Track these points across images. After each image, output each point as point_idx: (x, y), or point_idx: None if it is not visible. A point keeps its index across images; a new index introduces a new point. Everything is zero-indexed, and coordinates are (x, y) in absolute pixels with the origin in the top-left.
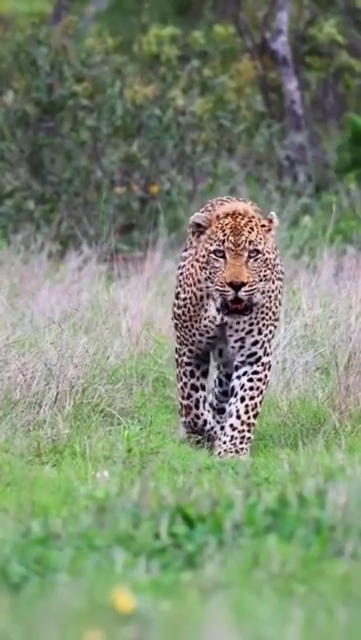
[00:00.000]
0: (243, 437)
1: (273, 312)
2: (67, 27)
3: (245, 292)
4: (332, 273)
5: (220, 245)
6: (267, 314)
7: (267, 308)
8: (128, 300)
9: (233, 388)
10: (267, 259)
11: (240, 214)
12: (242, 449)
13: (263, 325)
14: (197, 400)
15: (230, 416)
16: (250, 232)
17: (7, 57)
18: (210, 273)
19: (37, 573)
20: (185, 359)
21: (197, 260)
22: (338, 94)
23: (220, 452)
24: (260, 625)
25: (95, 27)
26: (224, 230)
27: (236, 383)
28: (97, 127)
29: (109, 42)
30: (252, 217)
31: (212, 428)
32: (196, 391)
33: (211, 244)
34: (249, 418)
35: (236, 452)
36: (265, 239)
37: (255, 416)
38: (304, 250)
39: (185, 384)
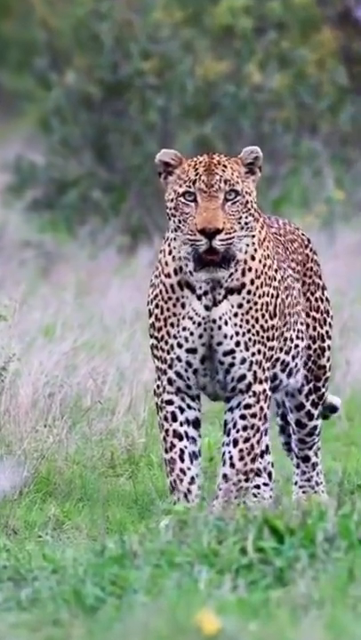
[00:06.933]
0: (239, 489)
1: (262, 326)
2: None
3: (221, 240)
4: None
5: (190, 187)
6: (253, 326)
7: (253, 317)
8: None
9: (225, 424)
10: (247, 201)
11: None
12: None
13: (250, 340)
14: (182, 450)
15: (224, 464)
16: (224, 170)
17: (67, 33)
18: (179, 221)
19: (114, 595)
20: (165, 397)
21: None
22: None
23: (211, 511)
24: None
25: None
26: (196, 168)
27: (228, 418)
28: (167, 108)
29: (178, 14)
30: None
31: (199, 487)
32: (180, 439)
33: (180, 186)
34: (245, 465)
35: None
36: (244, 179)
37: (253, 460)
38: None
39: (167, 431)
